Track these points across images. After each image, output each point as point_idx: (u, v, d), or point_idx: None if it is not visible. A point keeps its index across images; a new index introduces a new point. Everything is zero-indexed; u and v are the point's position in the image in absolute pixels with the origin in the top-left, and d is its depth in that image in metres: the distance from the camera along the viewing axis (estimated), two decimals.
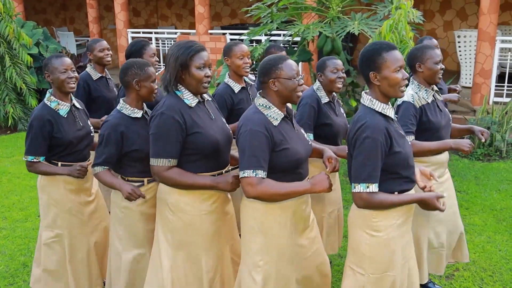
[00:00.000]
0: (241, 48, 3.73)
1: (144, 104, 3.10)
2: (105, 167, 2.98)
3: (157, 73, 3.95)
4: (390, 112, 2.54)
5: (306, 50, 7.37)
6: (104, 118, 3.66)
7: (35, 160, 3.20)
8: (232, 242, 3.01)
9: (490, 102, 7.95)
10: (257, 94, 2.70)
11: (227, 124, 2.96)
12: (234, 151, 3.07)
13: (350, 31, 6.58)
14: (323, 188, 2.59)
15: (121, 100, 3.04)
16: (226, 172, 2.89)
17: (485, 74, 7.89)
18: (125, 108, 3.00)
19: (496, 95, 8.13)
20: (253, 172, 2.50)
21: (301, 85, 2.64)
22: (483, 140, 3.28)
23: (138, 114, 3.01)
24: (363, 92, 2.60)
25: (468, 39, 9.44)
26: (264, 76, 2.63)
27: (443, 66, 3.24)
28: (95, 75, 4.29)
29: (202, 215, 2.79)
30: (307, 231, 2.81)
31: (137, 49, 3.86)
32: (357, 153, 2.46)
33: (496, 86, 8.19)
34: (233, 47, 3.75)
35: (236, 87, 3.75)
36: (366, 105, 2.54)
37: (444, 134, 3.27)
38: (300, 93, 2.64)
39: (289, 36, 7.34)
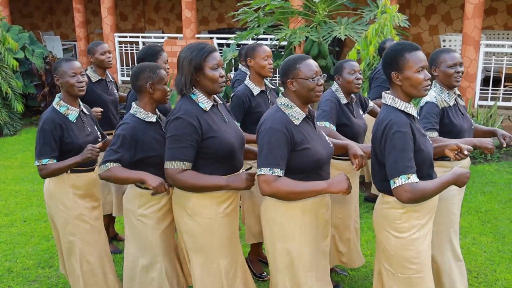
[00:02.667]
0: (264, 49, 3.72)
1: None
2: (118, 164, 2.85)
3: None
4: (412, 110, 2.54)
5: (293, 54, 7.40)
6: None
7: (49, 163, 3.12)
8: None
9: (475, 106, 8.03)
10: (280, 93, 2.71)
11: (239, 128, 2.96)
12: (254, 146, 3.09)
13: (337, 36, 6.63)
14: (340, 189, 2.54)
15: (133, 104, 2.99)
16: None
17: (470, 78, 7.98)
18: (139, 112, 2.94)
19: (480, 98, 8.21)
20: (269, 170, 2.49)
21: (321, 85, 2.62)
22: (504, 145, 3.21)
23: (153, 118, 2.95)
24: (383, 93, 2.62)
25: (453, 43, 9.54)
26: (283, 76, 2.64)
27: (461, 69, 3.17)
28: (95, 77, 4.25)
29: (220, 217, 2.77)
30: (328, 237, 2.82)
31: (152, 54, 3.84)
32: (389, 150, 2.43)
33: (481, 89, 8.28)
34: (257, 48, 3.71)
35: (256, 90, 3.70)
36: (389, 104, 2.55)
37: (466, 138, 3.23)
38: (319, 93, 2.63)
39: (276, 40, 7.37)
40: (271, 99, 3.83)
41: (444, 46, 9.59)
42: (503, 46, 8.78)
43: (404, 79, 2.50)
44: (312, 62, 2.62)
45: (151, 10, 15.46)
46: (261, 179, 2.52)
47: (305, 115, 2.63)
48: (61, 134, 3.15)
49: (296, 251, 2.64)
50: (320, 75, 2.63)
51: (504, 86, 8.21)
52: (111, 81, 4.45)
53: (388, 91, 2.62)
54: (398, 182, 2.40)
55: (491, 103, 7.76)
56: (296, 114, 2.60)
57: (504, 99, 8.10)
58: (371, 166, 2.71)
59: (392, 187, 2.43)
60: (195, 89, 2.72)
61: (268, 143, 2.51)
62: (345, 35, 6.71)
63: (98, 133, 3.43)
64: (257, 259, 4.09)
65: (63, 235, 3.29)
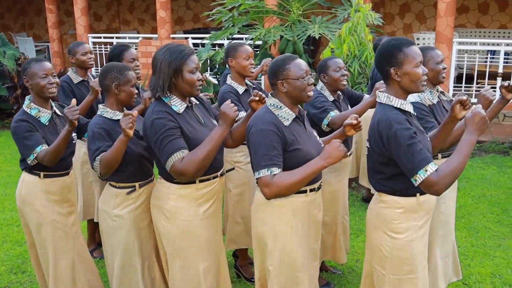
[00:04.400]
0: (246, 48, 3.67)
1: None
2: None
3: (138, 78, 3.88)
4: (408, 107, 2.50)
5: (267, 53, 7.40)
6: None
7: (43, 148, 2.98)
8: (222, 246, 2.98)
9: None
10: (269, 94, 2.67)
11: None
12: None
13: (311, 34, 6.65)
14: (338, 156, 2.45)
15: (100, 106, 2.94)
16: (221, 175, 2.83)
17: None
18: (106, 111, 2.91)
19: (454, 95, 8.30)
20: (267, 170, 2.44)
21: (311, 84, 2.60)
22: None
23: (120, 116, 2.89)
24: (377, 92, 2.57)
25: (426, 41, 9.64)
26: (272, 78, 2.60)
27: (446, 66, 3.20)
28: (76, 78, 4.15)
29: (199, 220, 2.73)
30: (319, 241, 2.79)
31: (116, 54, 3.80)
32: (397, 149, 2.37)
33: (454, 87, 8.39)
34: (238, 47, 3.66)
35: (240, 89, 3.65)
36: (384, 102, 2.51)
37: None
38: (310, 93, 2.60)
39: (250, 39, 7.36)
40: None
41: (418, 44, 9.69)
42: (475, 43, 8.90)
43: (403, 74, 2.45)
44: (301, 62, 2.59)
45: (126, 11, 15.32)
46: (261, 184, 2.47)
47: (295, 116, 2.60)
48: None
49: (288, 251, 2.59)
50: (310, 75, 2.59)
51: (477, 83, 8.32)
52: None
53: (383, 89, 2.57)
54: (419, 178, 2.32)
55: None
56: (286, 115, 2.56)
57: (477, 96, 8.19)
58: (367, 166, 2.66)
59: (416, 185, 2.36)
60: (169, 93, 2.66)
61: (261, 144, 2.47)
62: (320, 34, 6.73)
63: (74, 134, 3.32)
64: (247, 263, 4.04)
65: (37, 241, 3.20)
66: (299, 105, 2.68)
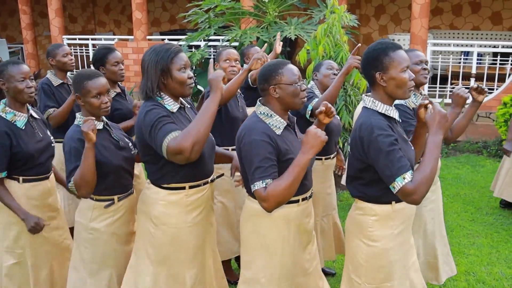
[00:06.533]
0: (227, 51, 3.72)
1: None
2: None
3: (122, 81, 3.79)
4: (393, 113, 2.43)
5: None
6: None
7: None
8: (214, 255, 2.89)
9: None
10: (258, 101, 2.58)
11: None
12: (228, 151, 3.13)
13: (287, 36, 6.67)
14: (318, 143, 2.33)
15: (77, 115, 2.80)
16: (211, 181, 2.76)
17: None
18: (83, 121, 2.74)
19: (428, 96, 8.41)
20: (262, 182, 2.35)
21: (304, 90, 2.53)
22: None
23: (99, 126, 2.75)
24: (363, 95, 2.49)
25: (402, 42, 9.75)
26: (264, 83, 2.51)
27: (426, 67, 3.16)
28: (56, 81, 4.04)
29: (188, 227, 2.64)
30: (309, 246, 2.69)
31: (99, 57, 3.68)
32: (377, 156, 2.30)
33: (429, 87, 8.50)
34: (221, 51, 3.75)
35: None
36: (369, 106, 2.44)
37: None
38: (304, 99, 2.53)
39: (226, 41, 7.35)
40: (241, 103, 3.78)
41: None
42: (449, 45, 9.04)
43: (388, 79, 2.37)
44: (294, 67, 2.52)
45: (101, 12, 15.18)
46: (257, 197, 2.38)
47: (286, 124, 2.52)
48: (9, 143, 2.93)
49: (279, 262, 2.54)
50: (302, 80, 2.53)
51: (451, 84, 8.44)
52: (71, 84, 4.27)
53: (369, 93, 2.51)
54: (397, 185, 2.24)
55: (439, 100, 7.96)
56: (277, 123, 2.48)
57: (451, 96, 8.31)
58: (346, 171, 2.60)
59: (396, 193, 2.28)
60: (161, 93, 2.57)
61: (254, 155, 2.38)
62: (296, 35, 6.75)
63: (51, 137, 3.21)
64: (230, 266, 3.99)
65: (12, 251, 3.07)
66: (288, 112, 2.61)
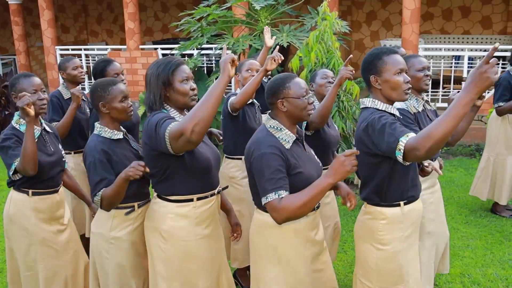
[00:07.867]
0: (250, 62, 3.84)
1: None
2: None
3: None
4: (394, 111, 2.50)
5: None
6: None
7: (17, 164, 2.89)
8: (226, 268, 2.87)
9: None
10: (267, 114, 2.60)
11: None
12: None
13: (279, 43, 6.71)
14: (344, 172, 2.25)
15: (96, 124, 2.80)
16: (218, 192, 2.75)
17: None
18: (104, 131, 2.76)
19: None
20: (275, 194, 2.33)
21: (312, 103, 2.53)
22: None
23: (119, 135, 2.79)
24: (360, 99, 2.57)
25: None
26: (272, 97, 2.52)
27: (429, 73, 3.23)
28: (66, 94, 4.06)
29: (198, 239, 2.63)
30: (321, 256, 2.66)
31: (99, 70, 3.73)
32: (380, 132, 2.33)
33: None
34: (244, 61, 3.87)
35: None
36: (368, 106, 2.50)
37: None
38: (311, 112, 2.54)
39: (219, 49, 7.39)
40: (258, 114, 3.84)
41: None
42: (440, 49, 9.11)
43: (383, 82, 2.47)
44: (301, 80, 2.54)
45: (94, 22, 15.19)
46: (269, 209, 2.37)
47: (295, 138, 2.53)
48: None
49: (289, 273, 2.52)
50: (309, 93, 2.54)
51: (443, 88, 8.50)
52: (83, 99, 4.20)
53: (367, 97, 2.57)
54: (401, 146, 2.22)
55: (431, 104, 8.04)
56: (286, 137, 2.49)
57: (443, 101, 8.39)
58: (360, 176, 2.62)
59: (402, 155, 2.23)
60: (166, 105, 2.57)
61: (265, 168, 2.38)
62: (288, 42, 6.80)
63: (63, 152, 3.22)
64: (245, 272, 3.98)
65: (24, 262, 3.07)
66: (297, 126, 2.62)
